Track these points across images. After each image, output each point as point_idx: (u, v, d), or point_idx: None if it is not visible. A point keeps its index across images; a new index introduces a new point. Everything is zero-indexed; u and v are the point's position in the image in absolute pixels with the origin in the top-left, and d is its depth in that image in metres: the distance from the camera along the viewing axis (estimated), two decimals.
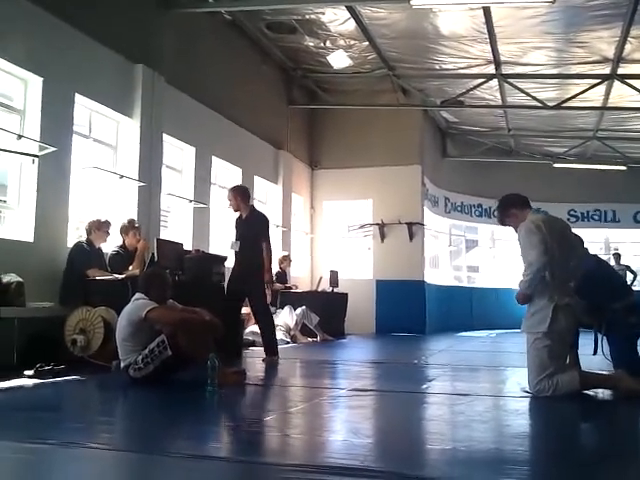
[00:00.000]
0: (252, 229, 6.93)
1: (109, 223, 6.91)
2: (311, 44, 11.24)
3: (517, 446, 3.15)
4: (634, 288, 14.27)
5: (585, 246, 5.89)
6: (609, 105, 12.61)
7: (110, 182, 7.73)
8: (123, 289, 5.95)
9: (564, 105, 12.19)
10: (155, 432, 3.45)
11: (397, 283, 13.01)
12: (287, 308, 9.90)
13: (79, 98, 7.14)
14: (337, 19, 10.10)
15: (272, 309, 9.92)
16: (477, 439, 3.34)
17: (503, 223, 5.08)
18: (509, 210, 4.94)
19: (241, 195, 7.01)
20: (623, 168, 15.56)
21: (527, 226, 4.68)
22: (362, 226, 13.81)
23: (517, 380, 5.35)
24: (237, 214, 7.10)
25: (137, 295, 5.03)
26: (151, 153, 8.11)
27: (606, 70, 11.02)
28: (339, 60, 11.57)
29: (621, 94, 11.91)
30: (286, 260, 11.24)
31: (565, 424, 3.93)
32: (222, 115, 10.13)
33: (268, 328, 7.03)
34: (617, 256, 15.18)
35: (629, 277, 14.66)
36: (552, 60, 11.05)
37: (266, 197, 12.30)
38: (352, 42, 10.97)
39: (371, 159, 13.45)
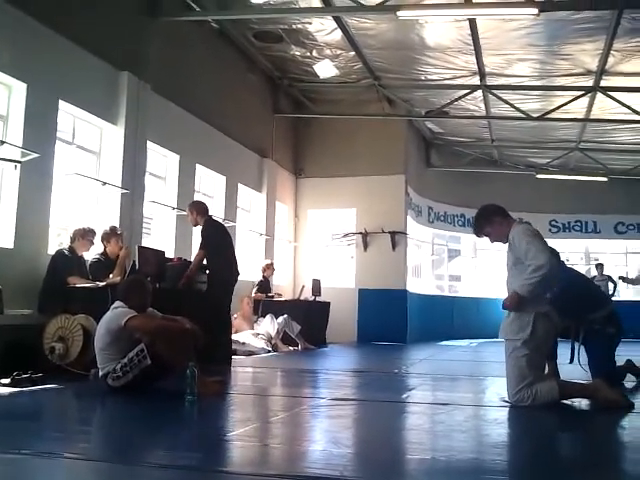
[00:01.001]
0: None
1: (94, 232, 6.86)
2: (297, 53, 11.28)
3: (496, 456, 3.17)
4: (614, 299, 14.50)
5: (560, 259, 5.94)
6: (592, 117, 12.75)
7: (93, 189, 7.69)
8: (103, 297, 5.90)
9: (547, 117, 12.31)
10: (133, 442, 3.42)
11: (379, 292, 13.03)
12: (269, 317, 9.87)
13: (63, 105, 7.11)
14: (324, 29, 10.15)
15: (254, 317, 9.99)
16: (456, 449, 3.34)
17: (481, 232, 4.98)
18: (492, 218, 4.87)
19: (196, 210, 7.38)
20: (604, 179, 15.73)
21: (527, 230, 4.65)
22: (345, 235, 13.83)
23: (496, 390, 5.38)
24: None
25: (117, 303, 5.00)
26: (135, 160, 8.08)
27: (589, 82, 11.15)
28: (325, 70, 11.62)
29: (603, 106, 12.05)
30: (269, 268, 11.21)
31: (544, 434, 3.94)
32: (207, 123, 10.12)
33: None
34: (600, 266, 15.33)
35: (610, 287, 14.79)
36: (536, 72, 11.16)
37: (250, 205, 12.29)
38: (338, 52, 11.02)
39: (355, 168, 13.49)
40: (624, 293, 16.52)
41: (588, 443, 3.67)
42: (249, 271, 10.82)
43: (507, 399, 4.65)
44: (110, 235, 6.98)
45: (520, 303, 4.55)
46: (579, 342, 5.58)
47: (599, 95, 11.48)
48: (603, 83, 11.06)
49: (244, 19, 10.12)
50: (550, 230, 17.11)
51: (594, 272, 15.35)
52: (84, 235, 6.72)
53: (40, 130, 6.69)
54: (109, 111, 7.87)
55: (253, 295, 10.57)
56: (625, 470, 3.11)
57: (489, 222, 4.89)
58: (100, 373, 4.89)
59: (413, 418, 4.42)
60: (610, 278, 15.05)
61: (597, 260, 17.84)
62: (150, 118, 8.36)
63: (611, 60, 10.16)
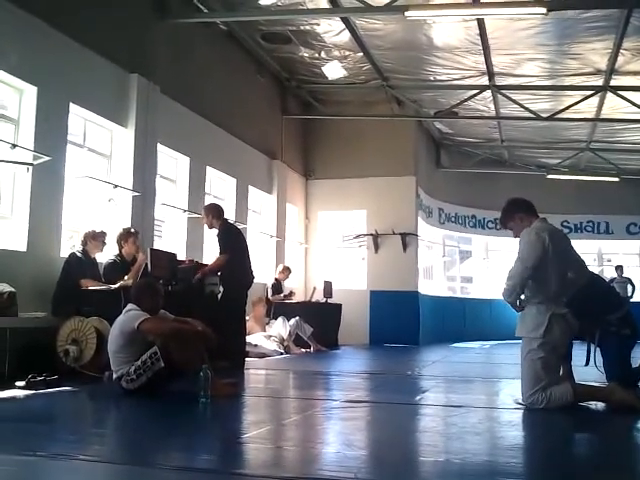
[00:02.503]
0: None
1: (104, 233, 6.88)
2: (306, 55, 11.29)
3: (510, 458, 3.14)
4: (632, 300, 14.42)
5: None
6: (602, 117, 12.68)
7: (104, 192, 7.72)
8: (116, 299, 5.92)
9: (557, 116, 12.25)
10: (147, 444, 3.43)
11: (391, 294, 13.00)
12: (280, 319, 9.88)
13: (74, 107, 7.13)
14: (332, 30, 10.15)
15: (266, 320, 10.00)
16: (470, 451, 3.33)
17: (505, 226, 5.06)
18: (515, 214, 4.93)
19: (212, 212, 7.35)
20: (616, 179, 15.64)
21: (529, 235, 4.67)
22: (356, 236, 13.81)
23: (510, 392, 5.35)
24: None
25: (129, 306, 5.01)
26: (145, 163, 8.11)
27: (599, 82, 11.09)
28: (334, 71, 11.62)
29: (614, 106, 11.99)
30: (286, 271, 11.25)
31: (558, 436, 3.92)
32: (217, 125, 10.14)
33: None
34: (619, 268, 15.28)
35: (629, 289, 14.74)
36: (545, 72, 11.12)
37: (260, 207, 12.31)
38: (347, 53, 11.02)
39: (365, 170, 13.47)
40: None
41: (603, 446, 3.64)
42: (261, 273, 10.83)
43: (521, 401, 4.63)
44: (126, 236, 6.99)
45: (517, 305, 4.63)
46: (595, 344, 5.54)
47: (609, 94, 11.41)
48: (613, 82, 11.00)
49: (252, 21, 10.14)
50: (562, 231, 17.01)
51: (614, 273, 15.33)
52: (95, 237, 6.75)
53: (51, 133, 6.71)
54: (119, 114, 7.90)
55: (270, 297, 10.61)
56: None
57: (511, 217, 4.96)
58: (114, 375, 4.91)
59: (426, 420, 4.41)
60: (629, 280, 14.98)
61: (610, 261, 17.76)
62: (160, 120, 8.38)
63: (621, 59, 10.11)
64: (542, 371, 4.45)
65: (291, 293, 11.29)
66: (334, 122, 13.70)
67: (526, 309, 4.66)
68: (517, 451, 3.31)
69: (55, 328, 5.91)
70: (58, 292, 6.36)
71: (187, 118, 9.32)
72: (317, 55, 11.23)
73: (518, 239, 4.85)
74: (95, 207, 7.73)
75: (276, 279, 11.11)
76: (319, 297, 11.49)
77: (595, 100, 11.74)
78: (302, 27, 10.17)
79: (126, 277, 6.58)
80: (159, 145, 8.52)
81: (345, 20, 9.60)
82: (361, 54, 10.88)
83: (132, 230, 7.11)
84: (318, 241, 14.22)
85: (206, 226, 7.57)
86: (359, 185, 13.54)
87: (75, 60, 7.11)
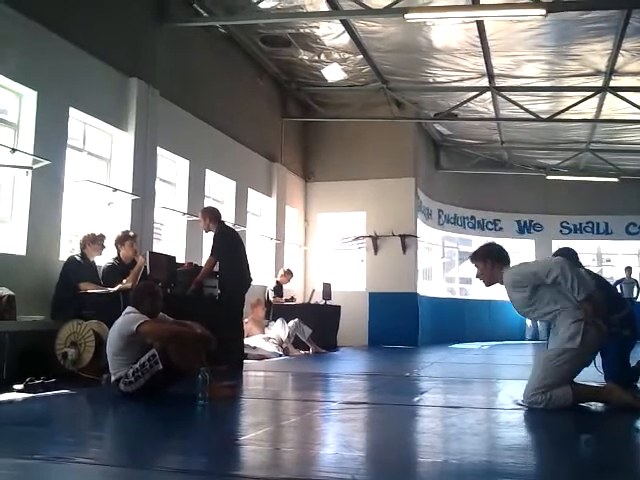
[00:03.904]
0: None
1: (103, 236, 6.89)
2: (305, 57, 11.30)
3: (508, 458, 3.14)
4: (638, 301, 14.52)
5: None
6: (602, 117, 12.70)
7: (103, 195, 7.73)
8: (115, 303, 5.94)
9: (557, 117, 12.26)
10: (145, 447, 3.43)
11: (390, 295, 13.00)
12: (279, 321, 9.88)
13: (73, 112, 7.15)
14: (331, 33, 10.17)
15: (265, 322, 10.01)
16: (469, 452, 3.33)
17: (473, 264, 5.03)
18: (485, 259, 4.89)
19: (209, 216, 7.42)
20: (615, 180, 15.67)
21: (514, 276, 4.72)
22: (356, 238, 13.82)
23: (509, 393, 5.36)
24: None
25: (128, 309, 5.02)
26: (145, 166, 8.12)
27: (599, 83, 11.11)
28: (333, 73, 11.64)
29: (613, 106, 12.00)
30: (288, 275, 11.27)
31: (557, 436, 3.92)
32: (216, 128, 10.15)
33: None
34: (629, 270, 15.36)
35: (634, 291, 14.85)
36: (545, 73, 11.13)
37: (260, 210, 12.32)
38: (346, 55, 11.03)
39: (365, 172, 13.48)
40: None
41: (602, 446, 3.64)
42: (260, 276, 10.83)
43: (520, 402, 4.63)
44: (124, 239, 7.01)
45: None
46: None
47: (609, 95, 11.43)
48: (613, 83, 11.01)
49: (252, 24, 10.15)
50: (561, 232, 17.05)
51: (613, 274, 15.42)
52: (94, 240, 6.76)
53: (51, 137, 6.73)
54: (119, 117, 7.92)
55: (271, 299, 10.64)
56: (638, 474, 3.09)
57: (481, 260, 4.91)
58: (112, 378, 4.91)
59: (425, 421, 4.41)
60: (636, 282, 15.12)
61: (609, 261, 17.81)
62: (160, 124, 8.40)
63: (620, 60, 10.12)
64: (557, 376, 4.42)
65: (292, 298, 11.33)
66: (334, 124, 13.71)
67: (557, 320, 4.57)
68: (515, 452, 3.31)
69: (54, 331, 5.90)
70: (57, 295, 6.37)
71: (187, 121, 9.33)
72: (317, 58, 11.24)
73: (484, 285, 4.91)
74: (95, 211, 7.74)
75: (277, 282, 11.13)
76: (318, 299, 11.49)
77: (595, 101, 11.75)
78: (302, 30, 10.18)
79: (125, 280, 6.59)
80: (159, 148, 8.53)
81: (345, 23, 9.62)
82: (361, 56, 10.89)
83: (130, 233, 7.12)
84: (317, 243, 14.22)
85: (203, 229, 7.61)
86: (358, 187, 13.55)
87: (75, 64, 7.12)
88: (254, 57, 11.48)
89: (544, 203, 16.70)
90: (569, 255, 6.38)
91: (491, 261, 4.82)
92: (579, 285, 4.37)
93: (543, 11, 7.69)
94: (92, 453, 3.22)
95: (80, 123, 7.48)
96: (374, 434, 4.04)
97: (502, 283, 4.81)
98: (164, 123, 8.50)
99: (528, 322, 15.54)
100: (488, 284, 4.91)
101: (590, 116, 12.63)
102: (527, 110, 11.99)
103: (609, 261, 18.00)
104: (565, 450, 3.48)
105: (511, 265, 4.81)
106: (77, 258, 6.60)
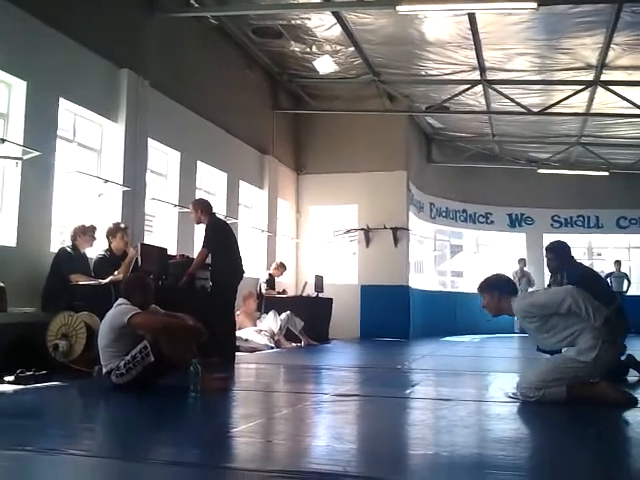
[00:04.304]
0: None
1: (94, 228, 6.87)
2: (297, 49, 11.26)
3: (498, 451, 3.16)
4: (628, 294, 14.64)
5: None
6: (592, 111, 12.72)
7: (94, 186, 7.69)
8: (106, 294, 5.92)
9: (548, 111, 12.28)
10: (136, 438, 3.43)
11: (382, 288, 13.02)
12: (271, 313, 9.89)
13: (63, 102, 7.11)
14: (323, 24, 10.13)
15: (257, 314, 10.01)
16: (459, 444, 3.35)
17: (480, 293, 4.96)
18: (492, 290, 4.82)
19: (200, 207, 7.36)
20: (606, 174, 15.73)
21: (526, 301, 4.71)
22: (347, 231, 13.82)
23: (499, 385, 5.40)
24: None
25: (120, 300, 5.01)
26: (135, 157, 8.09)
27: (589, 77, 11.12)
28: (325, 65, 11.61)
29: (604, 100, 12.02)
30: (281, 268, 11.28)
31: (547, 429, 3.95)
32: (207, 120, 10.11)
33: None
34: (618, 263, 15.47)
35: (624, 285, 14.95)
36: (536, 66, 11.13)
37: (252, 202, 12.29)
38: (338, 47, 11.00)
39: (357, 164, 13.47)
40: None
41: (592, 439, 3.66)
42: (252, 268, 10.82)
43: (511, 394, 4.65)
44: (115, 231, 6.99)
45: None
46: None
47: (600, 89, 11.45)
48: (604, 77, 11.02)
49: (243, 15, 10.10)
50: (552, 225, 17.11)
51: (604, 267, 15.53)
52: (85, 232, 6.73)
53: (41, 128, 6.69)
54: (109, 108, 7.87)
55: (264, 291, 10.65)
56: (629, 466, 3.11)
57: (488, 291, 4.86)
58: (104, 370, 4.90)
59: (416, 414, 4.43)
60: (626, 275, 15.23)
61: (600, 255, 17.93)
62: (150, 115, 8.36)
63: (611, 54, 10.13)
64: (559, 378, 4.42)
65: (284, 291, 11.34)
66: (325, 117, 13.68)
67: (578, 339, 4.50)
68: (506, 444, 3.33)
69: (45, 323, 5.88)
70: (48, 287, 6.35)
71: (178, 113, 9.29)
72: (308, 49, 11.20)
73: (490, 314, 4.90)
74: (85, 202, 7.70)
75: (270, 274, 11.13)
76: (310, 291, 11.50)
77: (585, 95, 11.78)
78: (293, 21, 10.14)
79: (116, 272, 6.57)
80: (149, 140, 8.50)
81: (336, 14, 9.58)
82: (352, 49, 10.86)
83: (121, 225, 7.10)
84: (309, 236, 14.22)
85: (194, 221, 7.58)
86: (350, 180, 13.54)
87: (65, 55, 7.08)
88: (245, 48, 11.42)
89: (535, 197, 16.75)
90: (562, 249, 6.42)
91: (498, 293, 4.77)
92: (594, 312, 4.34)
93: (534, 4, 7.69)
94: (84, 445, 3.21)
95: (70, 114, 7.44)
96: (365, 426, 4.06)
97: (511, 315, 4.81)
98: (155, 114, 8.46)
99: None
100: (494, 315, 4.90)
101: (581, 110, 12.65)
102: (518, 103, 12.00)
103: (600, 254, 18.10)
104: (554, 442, 3.50)
105: (518, 295, 4.78)
106: (68, 249, 6.58)
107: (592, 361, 4.37)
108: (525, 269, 15.57)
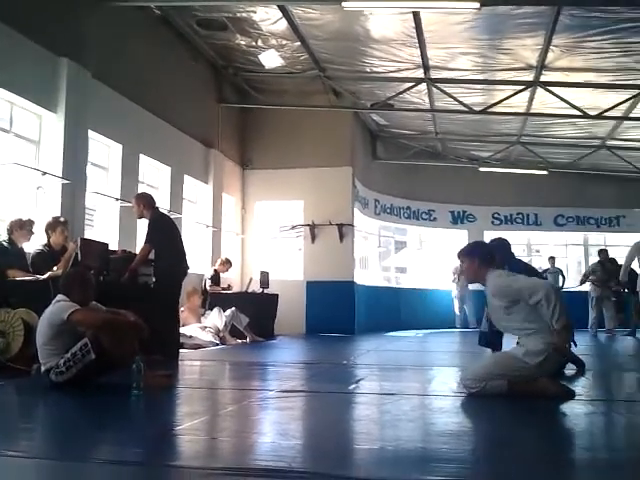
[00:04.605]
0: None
1: (32, 222, 6.66)
2: (242, 42, 11.18)
3: (442, 444, 3.21)
4: (563, 290, 15.07)
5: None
6: (532, 111, 13.03)
7: (32, 179, 7.46)
8: (45, 290, 5.74)
9: (489, 110, 12.52)
10: (78, 438, 3.34)
11: (327, 284, 13.08)
12: (216, 309, 9.79)
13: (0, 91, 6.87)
14: (269, 18, 10.08)
15: (201, 310, 9.90)
16: (404, 438, 3.38)
17: (460, 259, 5.02)
18: (473, 257, 4.87)
19: (143, 202, 7.25)
20: (545, 173, 16.16)
21: (503, 275, 4.73)
22: (293, 227, 13.82)
23: (442, 380, 5.48)
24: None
25: (59, 297, 4.86)
26: (76, 149, 7.89)
27: (530, 77, 11.38)
28: (270, 60, 11.55)
29: (543, 101, 12.33)
30: (226, 264, 11.19)
31: (490, 422, 4.02)
32: (151, 112, 9.94)
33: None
34: (552, 259, 15.90)
35: (560, 280, 15.37)
36: (478, 66, 11.33)
37: (196, 197, 12.15)
38: (284, 42, 10.96)
39: (303, 160, 13.48)
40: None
41: (531, 431, 3.75)
42: (196, 264, 10.70)
43: (459, 380, 4.71)
44: (54, 224, 6.79)
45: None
46: None
47: (539, 90, 11.73)
48: (543, 78, 11.31)
49: (187, 6, 9.96)
50: (493, 222, 17.48)
51: (542, 264, 15.94)
52: (22, 226, 6.53)
53: None
54: (48, 98, 7.65)
55: (208, 288, 10.54)
56: (569, 456, 3.20)
57: (469, 257, 4.91)
58: (42, 368, 4.76)
59: (361, 409, 4.45)
60: (560, 271, 15.68)
61: (538, 252, 18.41)
62: (91, 106, 8.16)
63: (550, 55, 10.40)
64: (502, 373, 4.50)
65: (229, 287, 11.25)
66: (271, 111, 13.64)
67: (528, 339, 4.57)
68: (449, 437, 3.38)
69: None
70: None
71: (120, 104, 9.09)
72: (254, 43, 11.13)
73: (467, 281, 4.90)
74: (23, 195, 7.47)
75: (215, 271, 11.02)
76: (255, 287, 11.45)
77: (526, 95, 12.05)
78: (238, 14, 10.05)
79: (55, 267, 6.39)
80: (90, 132, 8.30)
81: (282, 8, 9.54)
82: (298, 43, 10.84)
83: (60, 219, 6.91)
84: (255, 231, 14.17)
85: (136, 215, 7.44)
86: (296, 175, 13.54)
87: (1, 41, 6.82)
88: (190, 40, 11.27)
89: (477, 194, 17.08)
90: (503, 245, 6.55)
91: (478, 260, 4.83)
92: (560, 313, 4.36)
93: (477, 4, 7.83)
94: (22, 446, 3.11)
95: (7, 103, 7.20)
96: (311, 422, 4.05)
97: (483, 284, 4.83)
98: (96, 105, 8.27)
99: (456, 310, 15.87)
100: (471, 281, 4.95)
101: (521, 110, 12.95)
102: (461, 102, 12.20)
103: (538, 251, 18.60)
104: (498, 435, 3.58)
105: (497, 271, 4.80)
106: (4, 244, 6.38)
107: (536, 364, 4.46)
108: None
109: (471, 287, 14.05)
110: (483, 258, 4.86)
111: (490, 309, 4.91)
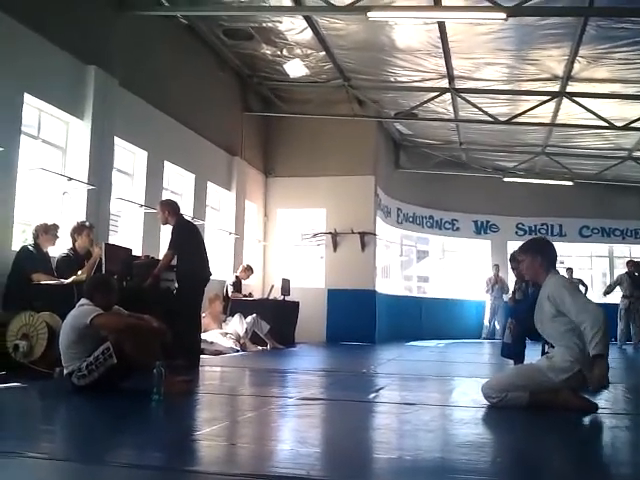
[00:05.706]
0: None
1: (57, 226, 6.75)
2: (268, 52, 11.25)
3: (462, 455, 3.18)
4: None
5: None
6: (557, 122, 12.93)
7: (58, 184, 7.56)
8: (69, 294, 5.82)
9: (515, 121, 12.46)
10: (99, 441, 3.37)
11: (348, 292, 13.06)
12: (237, 316, 9.83)
13: (28, 98, 6.98)
14: (294, 28, 10.13)
15: (223, 317, 9.94)
16: (423, 448, 3.37)
17: (519, 257, 4.87)
18: (535, 254, 4.65)
19: (168, 208, 7.24)
20: (570, 183, 16.00)
21: (564, 282, 4.61)
22: (315, 235, 13.83)
23: (463, 390, 5.44)
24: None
25: (82, 301, 4.92)
26: (102, 156, 7.98)
27: (555, 88, 11.31)
28: (295, 69, 11.61)
29: (569, 112, 12.24)
30: (248, 271, 11.24)
31: (510, 434, 3.99)
32: (176, 120, 10.03)
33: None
34: (569, 270, 15.71)
35: (582, 290, 15.17)
36: (504, 76, 11.29)
37: (219, 204, 12.22)
38: (309, 51, 11.02)
39: (325, 168, 13.50)
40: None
41: (552, 444, 3.71)
42: (219, 270, 10.76)
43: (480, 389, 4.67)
44: (80, 229, 6.87)
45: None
46: (549, 344, 5.63)
47: (565, 100, 11.65)
48: (569, 89, 11.23)
49: (214, 16, 10.05)
50: (517, 233, 17.34)
51: (566, 276, 15.74)
52: (47, 230, 6.62)
53: (4, 123, 6.56)
54: (76, 105, 7.75)
55: (230, 294, 10.59)
56: (591, 469, 3.16)
57: (532, 254, 4.70)
58: (65, 372, 4.81)
59: (380, 418, 4.44)
60: (581, 281, 15.49)
61: (562, 263, 18.20)
62: (118, 113, 8.26)
63: (577, 66, 10.32)
64: (525, 385, 4.45)
65: (250, 294, 11.30)
66: (295, 120, 13.68)
67: (559, 350, 4.48)
68: (469, 449, 3.35)
69: (5, 323, 5.75)
70: (9, 286, 6.22)
71: (146, 112, 9.19)
72: (279, 53, 11.20)
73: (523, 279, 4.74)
74: (49, 200, 7.57)
75: (237, 277, 11.08)
76: (277, 295, 11.47)
77: (551, 105, 11.97)
78: (264, 24, 10.12)
79: (80, 272, 6.46)
80: (116, 138, 8.40)
81: (308, 19, 9.60)
82: (323, 53, 10.89)
83: (86, 224, 6.99)
84: (277, 239, 14.20)
85: (161, 222, 7.49)
86: (319, 183, 13.56)
87: (31, 49, 6.95)
88: (216, 49, 11.37)
89: (500, 204, 16.96)
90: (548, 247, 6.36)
91: (541, 259, 4.63)
92: (600, 342, 4.20)
93: (503, 15, 7.80)
94: (44, 448, 3.14)
95: (35, 110, 7.31)
96: (330, 430, 4.05)
97: (539, 284, 4.63)
98: (122, 113, 8.37)
99: (485, 321, 15.78)
100: (530, 279, 4.73)
101: (547, 120, 12.86)
102: (485, 112, 12.15)
103: (562, 263, 18.39)
104: (517, 446, 3.54)
105: (558, 274, 4.64)
106: (30, 248, 6.46)
107: (560, 381, 4.38)
108: (500, 275, 15.76)
109: (505, 298, 13.95)
110: (548, 258, 4.66)
111: (538, 309, 4.70)
